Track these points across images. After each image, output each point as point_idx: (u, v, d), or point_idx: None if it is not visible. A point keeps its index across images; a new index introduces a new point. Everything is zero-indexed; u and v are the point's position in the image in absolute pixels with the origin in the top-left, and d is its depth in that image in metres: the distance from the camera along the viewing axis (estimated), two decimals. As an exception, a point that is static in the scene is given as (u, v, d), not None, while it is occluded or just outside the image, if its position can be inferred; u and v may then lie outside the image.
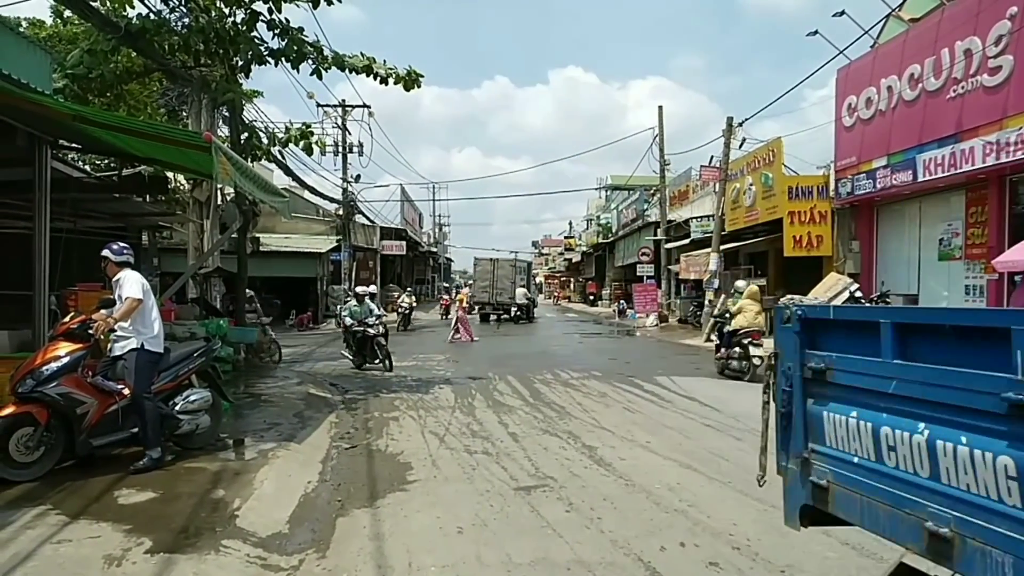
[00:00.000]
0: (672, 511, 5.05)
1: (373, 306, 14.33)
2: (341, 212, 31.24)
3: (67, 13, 15.48)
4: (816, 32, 18.48)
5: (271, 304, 27.20)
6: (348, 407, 9.51)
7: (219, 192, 12.39)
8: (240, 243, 13.41)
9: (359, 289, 15.21)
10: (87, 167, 14.43)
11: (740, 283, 13.84)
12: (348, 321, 13.97)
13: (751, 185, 21.84)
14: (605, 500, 5.30)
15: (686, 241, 26.71)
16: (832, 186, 18.82)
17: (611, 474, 6.06)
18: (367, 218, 37.03)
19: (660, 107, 29.97)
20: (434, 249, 67.81)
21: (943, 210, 15.65)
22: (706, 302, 21.44)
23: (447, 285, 29.65)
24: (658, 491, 5.53)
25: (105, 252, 6.20)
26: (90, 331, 5.87)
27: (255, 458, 6.46)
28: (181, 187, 14.74)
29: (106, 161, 15.48)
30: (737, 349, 12.26)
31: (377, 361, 13.52)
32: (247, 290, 14.35)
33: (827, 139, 19.65)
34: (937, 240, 15.80)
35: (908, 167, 15.26)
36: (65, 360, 5.68)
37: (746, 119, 22.84)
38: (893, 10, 17.18)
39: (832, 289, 15.30)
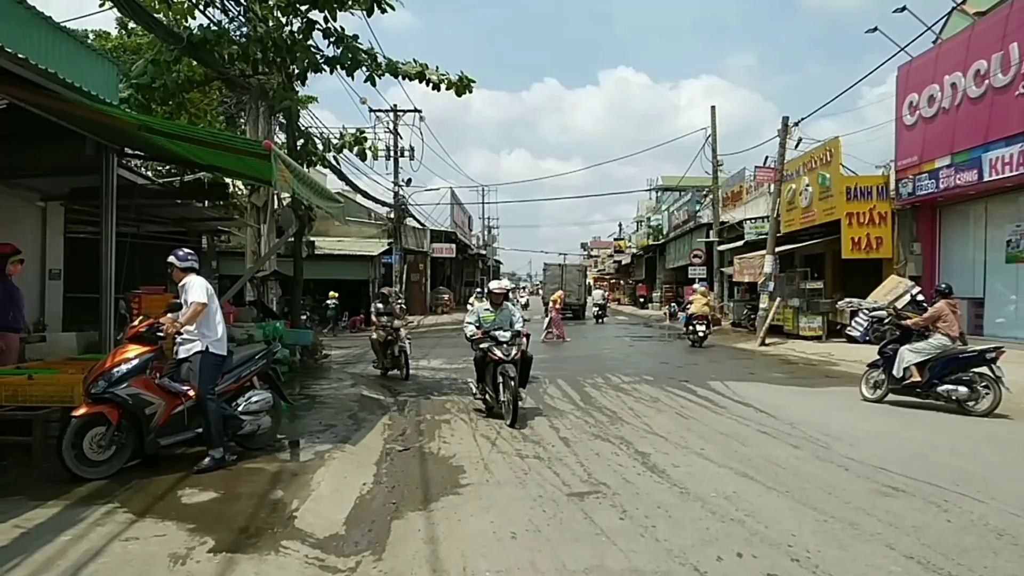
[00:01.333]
0: (728, 520, 4.97)
1: (516, 311, 9.34)
2: (392, 215, 31.64)
3: (131, 24, 16.04)
4: (876, 29, 18.06)
5: (324, 306, 27.73)
6: (400, 409, 9.61)
7: (276, 197, 12.67)
8: (296, 247, 13.69)
9: (494, 285, 9.66)
10: (149, 174, 14.92)
11: (698, 285, 23.40)
12: (471, 331, 9.18)
13: (807, 186, 21.37)
14: (659, 508, 5.24)
15: (740, 243, 26.27)
16: (892, 186, 18.31)
17: (665, 481, 5.99)
18: (418, 221, 37.43)
19: (713, 107, 29.62)
20: (483, 251, 68.12)
21: (1011, 211, 15.08)
22: (760, 305, 21.03)
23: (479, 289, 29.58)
24: (714, 500, 5.44)
25: (171, 259, 6.41)
26: (158, 334, 6.06)
27: (312, 459, 6.58)
28: (239, 192, 15.12)
29: (168, 168, 15.97)
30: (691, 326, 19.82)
31: (504, 398, 8.64)
32: (334, 295, 14.59)
33: (886, 138, 19.12)
34: (1004, 242, 15.23)
35: (973, 166, 14.75)
36: (134, 362, 5.87)
37: (802, 118, 22.40)
38: (957, 4, 16.63)
39: (892, 292, 14.83)
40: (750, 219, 26.00)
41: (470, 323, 9.29)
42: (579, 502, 5.39)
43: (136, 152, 9.77)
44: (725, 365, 15.21)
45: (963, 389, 9.15)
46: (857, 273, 19.87)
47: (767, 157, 24.47)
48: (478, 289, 12.72)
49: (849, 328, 18.53)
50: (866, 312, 17.99)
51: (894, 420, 8.89)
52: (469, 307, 10.92)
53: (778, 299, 20.37)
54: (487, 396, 9.04)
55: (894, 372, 9.80)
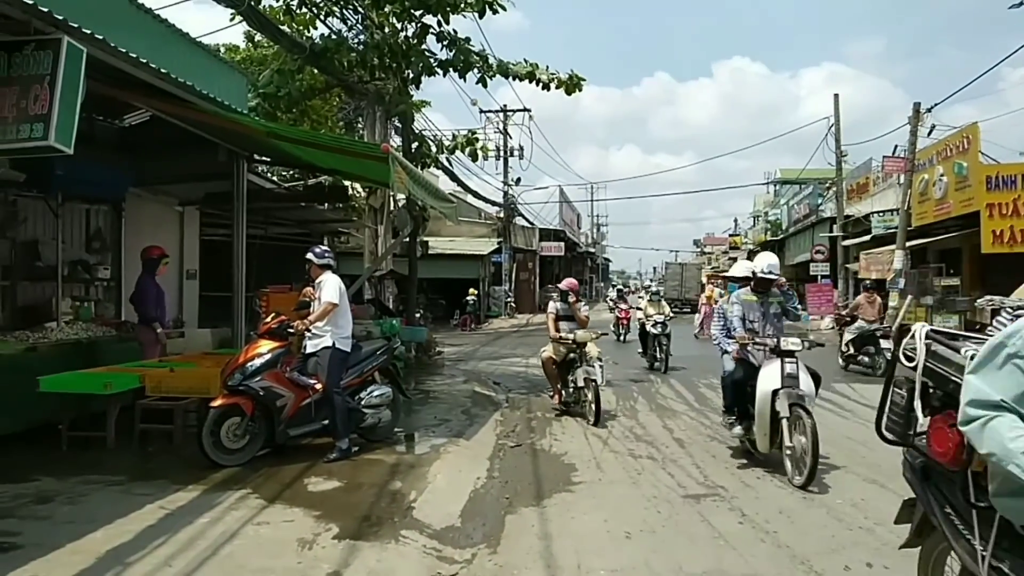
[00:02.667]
0: (856, 528, 4.71)
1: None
2: (502, 214, 32.01)
3: (258, 37, 17.01)
4: (1021, 3, 16.50)
5: (437, 304, 28.42)
6: (512, 406, 9.69)
7: (392, 199, 13.08)
8: (411, 247, 14.09)
9: (762, 260, 6.77)
10: (275, 178, 15.74)
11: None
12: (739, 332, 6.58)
13: (942, 176, 19.93)
14: (781, 513, 5.04)
15: (866, 238, 24.84)
16: (1041, 174, 16.79)
17: (786, 486, 5.74)
18: (526, 220, 37.72)
19: (836, 95, 28.10)
20: (592, 249, 67.78)
21: None
22: (890, 303, 19.82)
23: (619, 286, 28.33)
24: (839, 506, 5.17)
25: (309, 256, 6.77)
26: (288, 331, 6.40)
27: (427, 452, 6.76)
28: (358, 195, 15.70)
29: (291, 172, 16.80)
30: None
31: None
32: (474, 292, 14.94)
33: (1034, 122, 17.54)
34: None
35: None
36: (267, 357, 6.23)
37: (935, 104, 20.83)
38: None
39: (1041, 290, 13.67)
40: (877, 212, 24.53)
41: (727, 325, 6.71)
42: (695, 504, 5.26)
43: (263, 158, 10.33)
44: (851, 366, 14.40)
45: (866, 359, 13.14)
46: (999, 269, 18.32)
47: (896, 146, 22.97)
48: (736, 281, 9.98)
49: (990, 328, 17.19)
50: (1010, 311, 16.53)
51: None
52: (550, 312, 9.03)
53: (909, 297, 19.13)
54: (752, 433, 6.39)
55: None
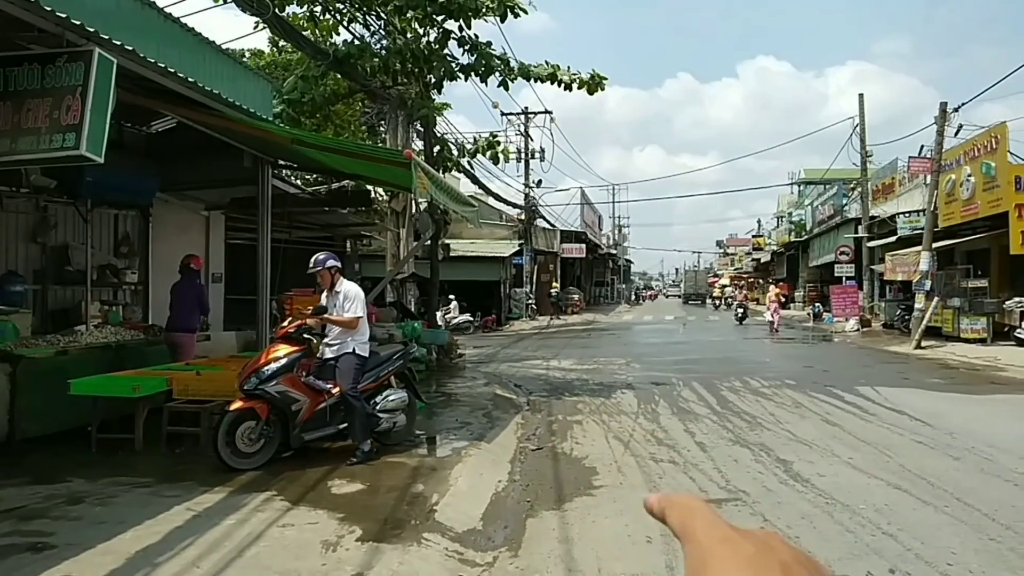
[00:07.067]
0: (880, 534, 4.67)
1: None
2: (523, 217, 32.04)
3: (282, 43, 17.20)
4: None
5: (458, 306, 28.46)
6: (533, 409, 9.72)
7: (413, 203, 13.17)
8: (432, 250, 14.17)
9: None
10: (299, 183, 15.90)
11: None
12: None
13: (969, 176, 19.65)
14: (803, 518, 5.02)
15: (892, 239, 24.54)
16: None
17: (809, 491, 5.71)
18: (547, 222, 37.70)
19: (860, 95, 27.82)
20: (613, 251, 67.56)
21: None
22: (916, 305, 19.55)
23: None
24: (863, 512, 5.13)
25: (315, 267, 6.70)
26: (305, 336, 6.45)
27: (449, 455, 6.79)
28: (380, 199, 15.82)
29: (315, 177, 16.95)
30: None
31: None
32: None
33: (1065, 120, 17.23)
34: None
35: None
36: (283, 361, 6.21)
37: (963, 103, 20.49)
38: None
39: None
40: (903, 213, 24.23)
41: None
42: (717, 509, 5.22)
43: (288, 163, 10.46)
44: (876, 369, 14.27)
45: None
46: (1029, 270, 18.08)
47: (923, 146, 22.66)
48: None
49: (1019, 330, 16.94)
50: (1040, 313, 16.41)
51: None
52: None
53: (935, 299, 18.86)
54: None
55: None
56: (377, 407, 6.75)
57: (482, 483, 5.96)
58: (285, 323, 6.69)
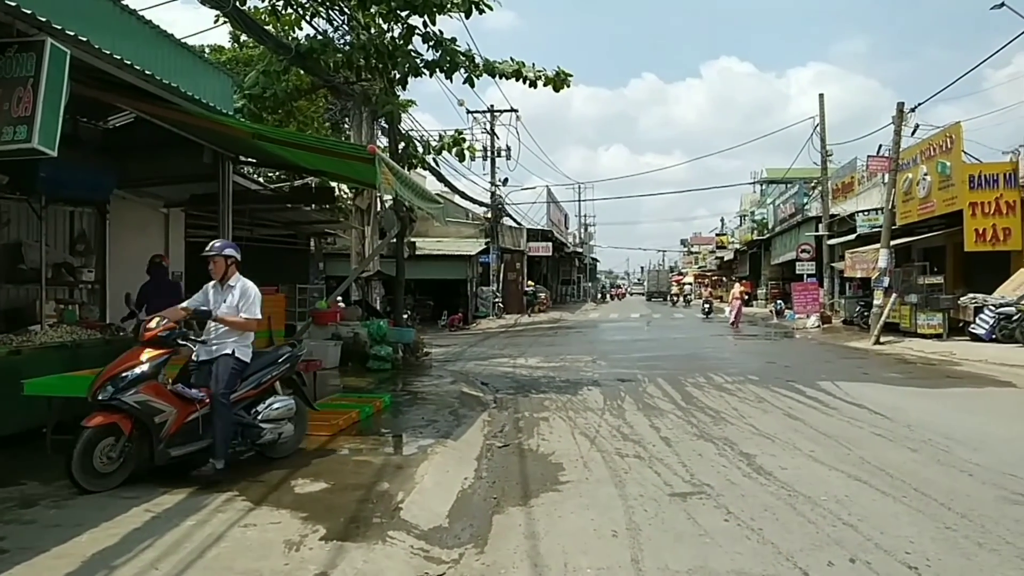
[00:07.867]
0: (840, 524, 4.76)
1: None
2: (489, 215, 32.03)
3: (243, 37, 16.97)
4: (1003, 4, 16.67)
5: (424, 305, 28.40)
6: (500, 406, 9.71)
7: (379, 200, 13.07)
8: (398, 248, 14.07)
9: None
10: (261, 180, 15.69)
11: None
12: None
13: (925, 175, 20.15)
14: (766, 510, 5.08)
15: (851, 237, 25.07)
16: (1022, 173, 17.00)
17: (772, 483, 5.79)
18: (514, 220, 37.78)
19: (821, 95, 28.44)
20: (580, 250, 67.92)
21: None
22: (875, 302, 19.98)
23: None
24: (824, 503, 5.22)
25: (212, 252, 6.01)
26: (179, 342, 5.70)
27: (415, 453, 6.75)
28: (344, 196, 15.69)
29: (278, 174, 16.76)
30: None
31: None
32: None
33: (1015, 122, 17.81)
34: None
35: (1118, 149, 13.49)
36: (145, 367, 5.39)
37: (919, 104, 21.05)
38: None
39: (1023, 287, 13.80)
40: (862, 211, 24.78)
41: None
42: (681, 503, 5.30)
43: (249, 159, 10.30)
44: (836, 364, 14.54)
45: None
46: (982, 267, 18.57)
47: (881, 146, 23.22)
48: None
49: (973, 326, 17.37)
50: (992, 308, 16.83)
51: (1026, 424, 8.27)
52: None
53: (893, 295, 19.30)
54: None
55: None
56: (259, 417, 5.99)
57: (448, 480, 5.93)
58: (152, 324, 5.64)
